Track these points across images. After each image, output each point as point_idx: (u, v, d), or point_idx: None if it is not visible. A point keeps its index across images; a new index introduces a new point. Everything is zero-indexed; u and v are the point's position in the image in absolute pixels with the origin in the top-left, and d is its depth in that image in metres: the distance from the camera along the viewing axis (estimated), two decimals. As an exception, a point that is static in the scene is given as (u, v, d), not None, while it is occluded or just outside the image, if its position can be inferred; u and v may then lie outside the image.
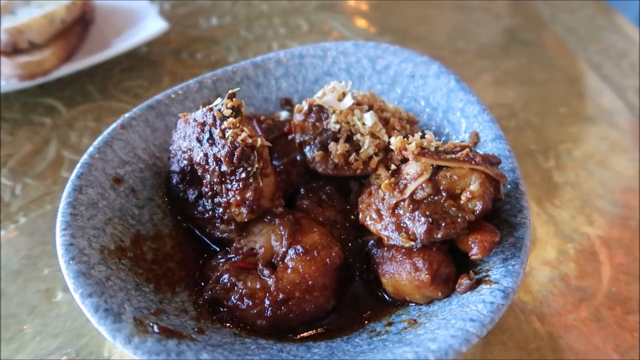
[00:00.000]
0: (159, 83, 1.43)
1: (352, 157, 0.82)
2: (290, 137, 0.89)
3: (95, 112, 1.33)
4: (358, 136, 0.82)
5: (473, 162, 0.69)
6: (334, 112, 0.83)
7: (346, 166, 0.82)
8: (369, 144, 0.81)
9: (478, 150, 0.85)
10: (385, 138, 0.81)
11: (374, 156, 0.81)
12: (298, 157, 0.89)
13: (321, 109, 0.84)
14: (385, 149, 0.82)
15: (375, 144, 0.81)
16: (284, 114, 1.00)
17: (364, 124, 0.82)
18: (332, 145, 0.83)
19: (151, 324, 0.64)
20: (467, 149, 0.72)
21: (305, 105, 0.85)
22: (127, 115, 0.89)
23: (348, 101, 0.83)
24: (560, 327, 0.92)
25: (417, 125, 0.90)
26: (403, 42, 1.06)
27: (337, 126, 0.83)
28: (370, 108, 0.85)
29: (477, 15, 1.81)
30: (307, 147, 0.86)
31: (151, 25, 1.43)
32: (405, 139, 0.76)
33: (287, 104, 1.05)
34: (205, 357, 0.60)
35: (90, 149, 0.82)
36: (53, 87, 1.37)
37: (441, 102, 0.96)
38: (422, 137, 0.77)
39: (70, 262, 0.66)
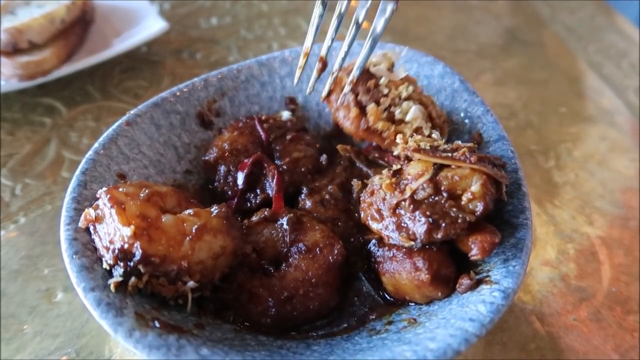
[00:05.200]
0: (159, 83, 1.43)
1: (388, 125, 0.80)
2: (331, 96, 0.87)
3: (95, 112, 1.33)
4: (397, 112, 0.80)
5: (468, 161, 0.69)
6: (382, 77, 0.83)
7: (379, 133, 0.80)
8: (414, 115, 0.79)
9: (481, 151, 0.85)
10: (425, 126, 0.80)
11: (412, 135, 0.79)
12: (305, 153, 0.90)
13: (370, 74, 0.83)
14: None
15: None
16: (285, 114, 1.00)
17: (408, 98, 0.81)
18: (371, 106, 0.80)
19: (152, 318, 0.64)
20: (465, 149, 0.72)
21: (356, 71, 0.83)
22: (132, 112, 0.90)
23: (400, 73, 0.83)
24: (560, 327, 0.92)
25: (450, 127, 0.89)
26: (403, 42, 1.06)
27: (386, 90, 0.82)
28: (415, 90, 0.85)
29: (477, 15, 1.81)
30: (342, 113, 0.83)
31: (151, 25, 1.43)
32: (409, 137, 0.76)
33: (292, 102, 1.05)
34: (205, 352, 0.60)
35: (96, 145, 0.83)
36: (53, 87, 1.37)
37: (445, 103, 0.96)
38: (429, 135, 0.77)
39: (74, 256, 0.67)
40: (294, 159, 0.90)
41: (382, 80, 0.83)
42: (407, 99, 0.82)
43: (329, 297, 0.75)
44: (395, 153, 0.79)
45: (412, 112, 0.79)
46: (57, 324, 0.90)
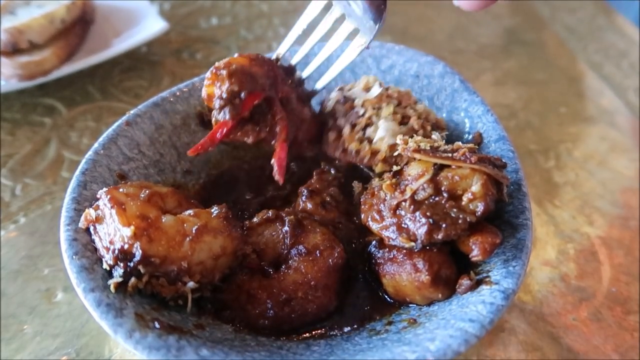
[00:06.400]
0: (159, 83, 1.43)
1: (363, 144, 0.81)
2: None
3: (95, 112, 1.33)
4: (370, 131, 0.81)
5: (468, 162, 0.69)
6: (356, 99, 0.85)
7: (354, 153, 0.81)
8: (380, 134, 0.80)
9: (482, 151, 0.85)
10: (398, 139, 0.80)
11: (384, 149, 0.80)
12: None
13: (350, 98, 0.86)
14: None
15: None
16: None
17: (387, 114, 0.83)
18: (346, 129, 0.82)
19: (152, 319, 0.64)
20: (465, 149, 0.72)
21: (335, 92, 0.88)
22: (132, 112, 0.90)
23: (375, 91, 0.84)
24: (560, 327, 0.92)
25: (444, 132, 0.87)
26: (403, 42, 1.06)
27: (362, 110, 0.83)
28: (399, 103, 0.86)
29: (477, 15, 1.81)
30: (324, 139, 0.86)
31: (151, 25, 1.43)
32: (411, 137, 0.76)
33: None
34: (205, 353, 0.60)
35: (95, 145, 0.83)
36: (53, 87, 1.37)
37: (445, 103, 0.96)
38: (429, 136, 0.77)
39: (74, 256, 0.67)
40: (299, 119, 0.86)
41: (357, 101, 0.85)
42: (386, 115, 0.83)
43: (327, 300, 0.75)
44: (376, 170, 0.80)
45: (380, 132, 0.80)
46: (57, 324, 0.90)
